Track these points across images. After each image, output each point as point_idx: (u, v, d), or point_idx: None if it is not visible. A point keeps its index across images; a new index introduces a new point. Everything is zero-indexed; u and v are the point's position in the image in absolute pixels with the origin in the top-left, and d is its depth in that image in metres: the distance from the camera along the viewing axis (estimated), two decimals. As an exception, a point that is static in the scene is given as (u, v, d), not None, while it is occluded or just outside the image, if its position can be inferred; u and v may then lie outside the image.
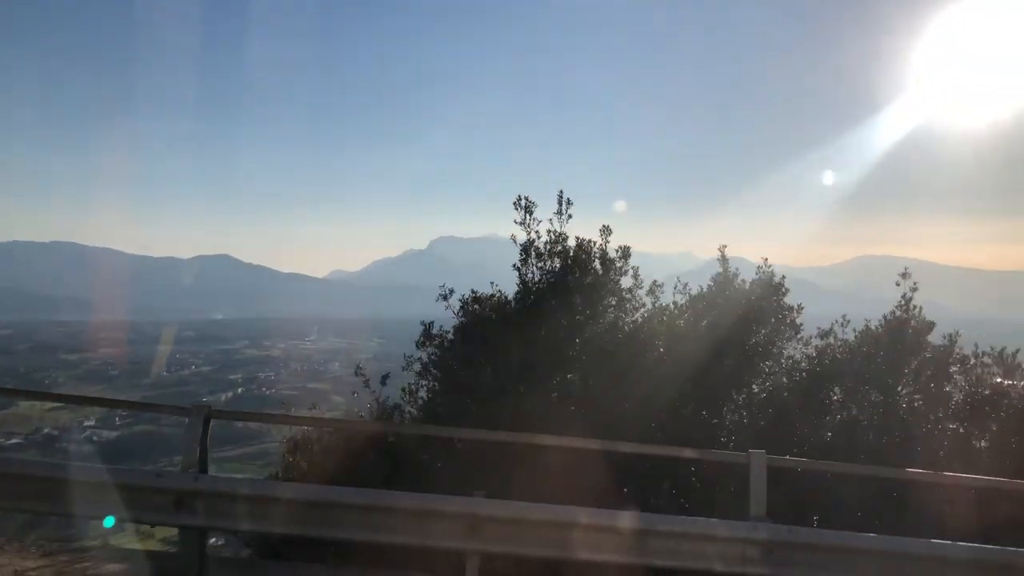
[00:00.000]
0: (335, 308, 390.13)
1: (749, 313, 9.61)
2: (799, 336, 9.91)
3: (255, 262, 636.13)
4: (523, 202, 9.68)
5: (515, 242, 9.90)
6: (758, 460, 5.91)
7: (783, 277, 10.65)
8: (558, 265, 9.74)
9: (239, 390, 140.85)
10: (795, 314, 10.12)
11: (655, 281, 10.12)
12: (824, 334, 9.85)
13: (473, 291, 9.81)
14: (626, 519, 5.47)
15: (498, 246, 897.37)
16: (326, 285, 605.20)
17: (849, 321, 10.01)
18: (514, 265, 9.83)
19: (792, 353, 9.76)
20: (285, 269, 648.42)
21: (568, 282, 9.50)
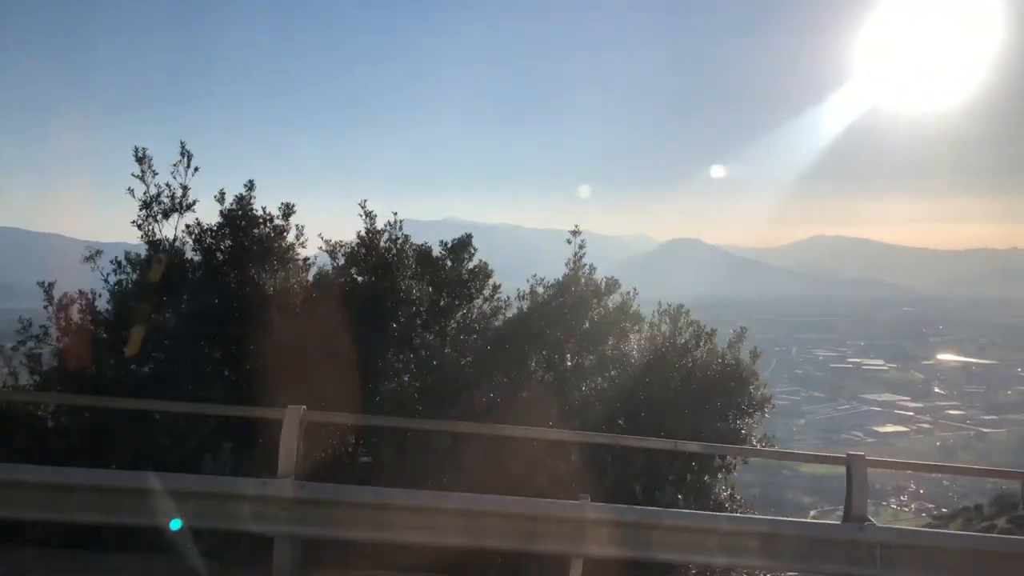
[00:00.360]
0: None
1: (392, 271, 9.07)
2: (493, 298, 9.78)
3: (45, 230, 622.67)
4: (140, 153, 8.36)
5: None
6: (292, 415, 5.87)
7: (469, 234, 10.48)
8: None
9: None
10: (485, 279, 9.86)
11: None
12: (523, 296, 9.88)
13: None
14: None
15: (457, 228, 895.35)
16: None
17: (543, 279, 10.16)
18: (133, 222, 8.52)
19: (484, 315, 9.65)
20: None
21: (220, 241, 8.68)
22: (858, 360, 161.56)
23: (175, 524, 5.52)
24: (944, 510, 48.36)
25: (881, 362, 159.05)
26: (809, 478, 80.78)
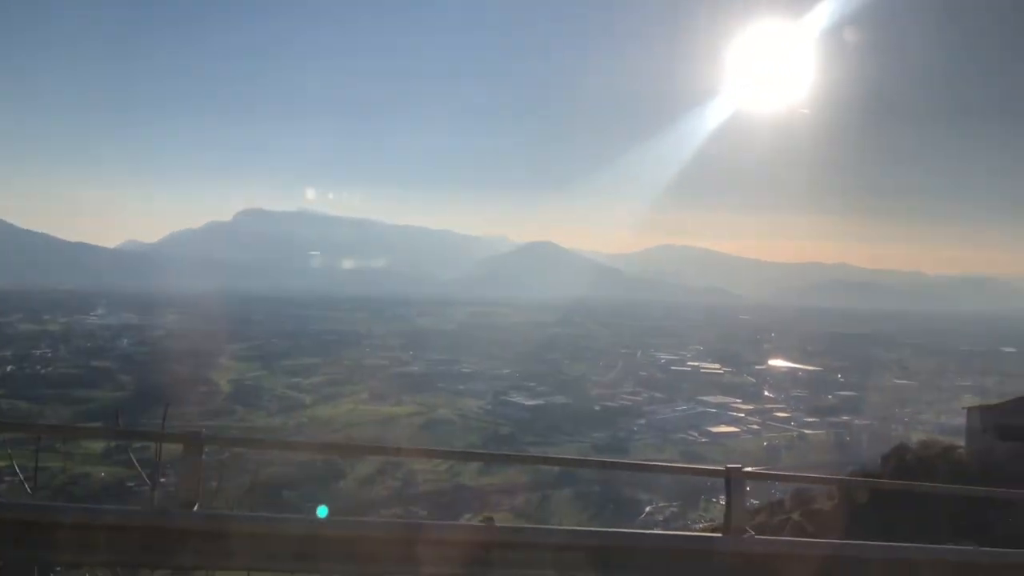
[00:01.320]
0: (129, 281, 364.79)
1: None
2: None
3: (34, 228, 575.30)
4: None
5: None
6: None
7: None
8: None
9: (8, 368, 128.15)
10: None
11: None
12: None
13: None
14: None
15: (310, 221, 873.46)
16: (118, 256, 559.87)
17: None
18: None
19: None
20: (70, 237, 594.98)
21: None
22: (697, 364, 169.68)
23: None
24: (755, 501, 52.61)
25: (718, 366, 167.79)
26: (644, 475, 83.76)
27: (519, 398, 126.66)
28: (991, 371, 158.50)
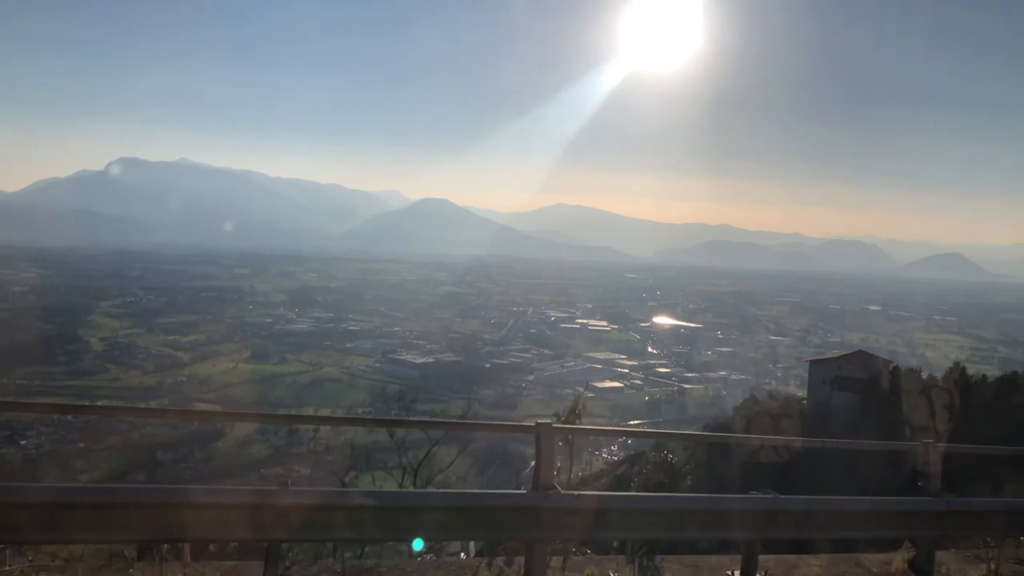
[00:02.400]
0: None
1: None
2: None
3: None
4: None
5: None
6: None
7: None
8: None
9: None
10: None
11: None
12: None
13: None
14: None
15: (190, 172, 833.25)
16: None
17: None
18: None
19: None
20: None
21: None
22: (585, 321, 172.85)
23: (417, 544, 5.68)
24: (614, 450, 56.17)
25: (605, 323, 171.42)
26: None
27: (408, 356, 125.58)
28: (858, 328, 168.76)
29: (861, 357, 47.69)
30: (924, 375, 41.70)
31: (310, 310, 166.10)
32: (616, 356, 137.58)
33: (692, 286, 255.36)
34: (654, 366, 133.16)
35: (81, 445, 70.49)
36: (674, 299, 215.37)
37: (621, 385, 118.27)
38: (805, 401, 46.82)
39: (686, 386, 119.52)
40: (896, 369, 41.49)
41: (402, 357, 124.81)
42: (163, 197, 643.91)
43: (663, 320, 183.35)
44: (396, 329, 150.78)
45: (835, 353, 57.00)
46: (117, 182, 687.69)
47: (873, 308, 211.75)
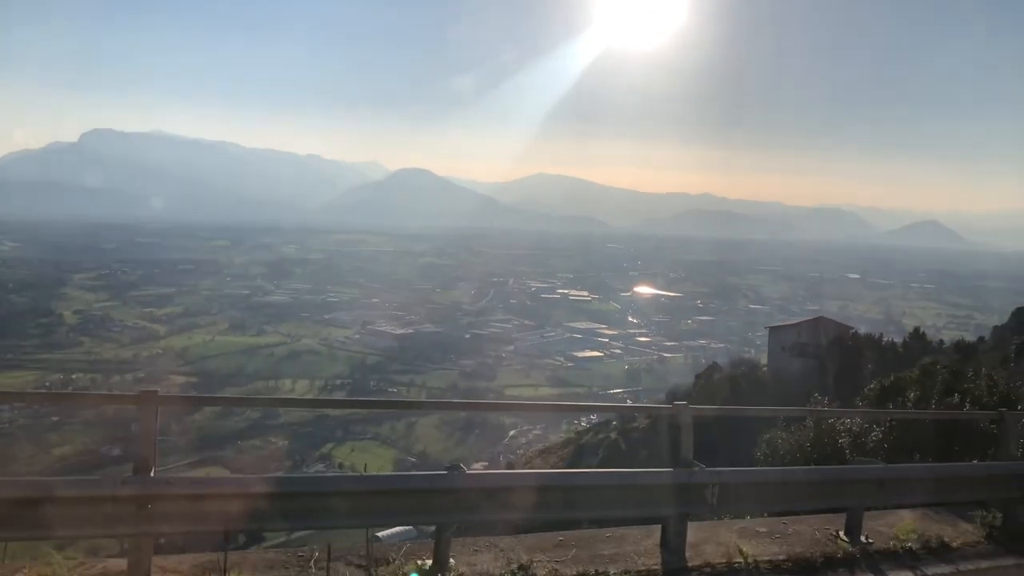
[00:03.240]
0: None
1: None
2: None
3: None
4: None
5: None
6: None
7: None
8: None
9: None
10: None
11: None
12: None
13: None
14: None
15: (165, 143, 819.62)
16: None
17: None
18: None
19: None
20: None
21: None
22: (566, 291, 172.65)
23: None
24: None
25: (586, 293, 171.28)
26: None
27: (387, 327, 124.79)
28: (837, 296, 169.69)
29: (820, 324, 47.48)
30: (884, 341, 41.43)
31: (288, 282, 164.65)
32: (596, 326, 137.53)
33: (673, 256, 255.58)
34: (634, 335, 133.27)
35: (55, 419, 69.42)
36: (655, 269, 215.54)
37: (601, 354, 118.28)
38: (766, 368, 46.60)
39: (666, 355, 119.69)
40: (855, 335, 41.23)
41: (381, 328, 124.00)
42: (138, 169, 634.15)
43: (644, 290, 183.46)
44: (375, 300, 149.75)
45: (795, 320, 56.88)
46: (92, 153, 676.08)
47: (852, 276, 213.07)
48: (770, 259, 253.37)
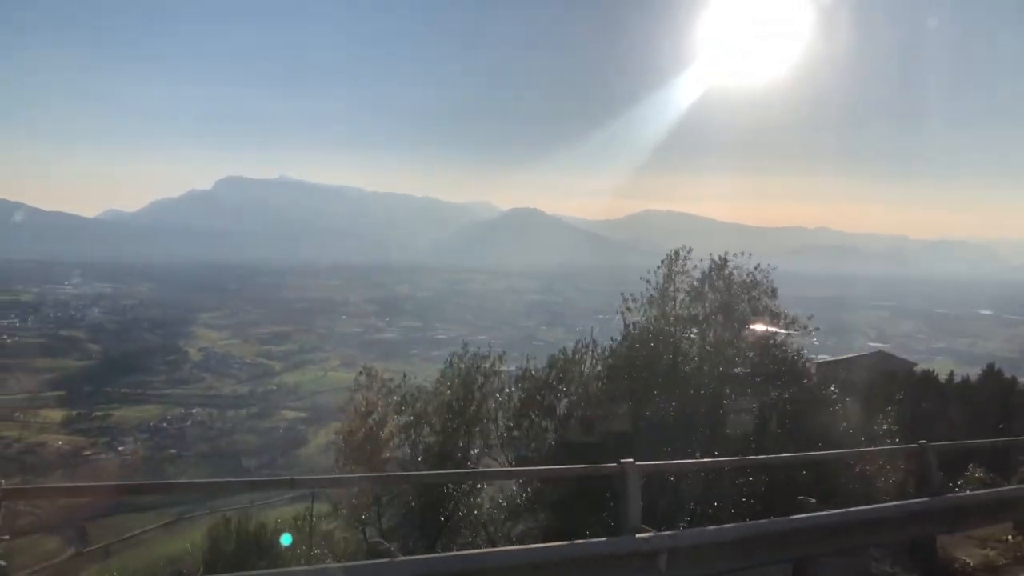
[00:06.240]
0: (108, 251, 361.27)
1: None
2: None
3: (10, 198, 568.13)
4: None
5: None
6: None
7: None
8: None
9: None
10: None
11: None
12: None
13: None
14: None
15: (290, 188, 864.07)
16: (98, 225, 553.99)
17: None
18: None
19: None
20: (48, 207, 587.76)
21: None
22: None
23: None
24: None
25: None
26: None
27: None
28: (966, 333, 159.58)
29: (875, 358, 44.73)
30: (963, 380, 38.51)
31: (399, 319, 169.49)
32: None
33: (788, 292, 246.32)
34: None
35: (172, 451, 74.05)
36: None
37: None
38: None
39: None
40: (911, 372, 38.70)
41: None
42: (265, 213, 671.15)
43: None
44: (481, 337, 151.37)
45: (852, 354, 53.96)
46: (224, 200, 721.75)
47: (984, 312, 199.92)
48: (891, 295, 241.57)
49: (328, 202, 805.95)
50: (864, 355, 47.35)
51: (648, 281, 14.21)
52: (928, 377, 27.26)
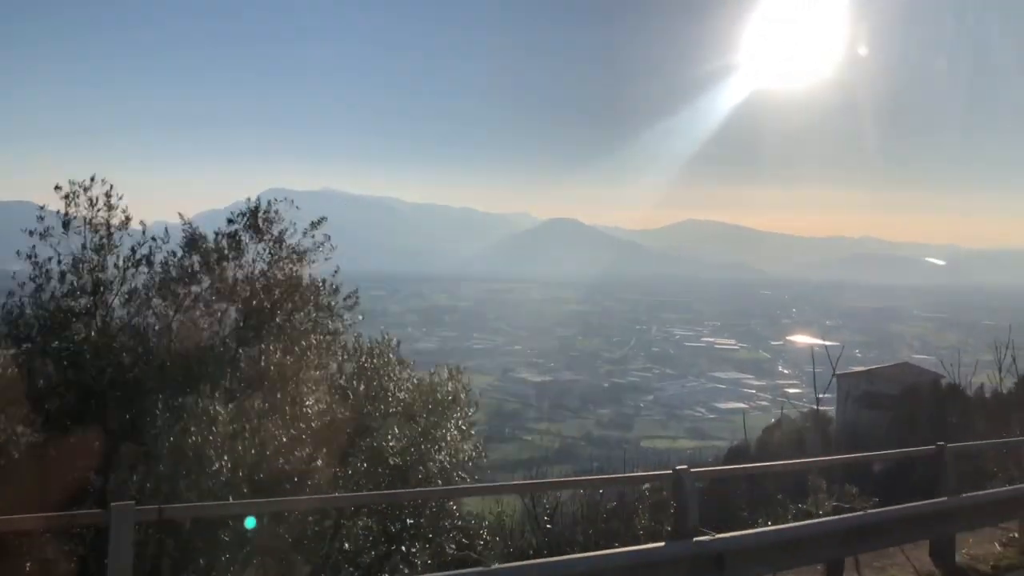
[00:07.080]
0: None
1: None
2: None
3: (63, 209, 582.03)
4: None
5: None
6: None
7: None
8: None
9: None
10: None
11: None
12: None
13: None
14: None
15: (333, 199, 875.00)
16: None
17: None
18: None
19: None
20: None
21: None
22: (712, 339, 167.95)
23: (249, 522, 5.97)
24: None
25: (733, 342, 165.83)
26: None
27: (527, 374, 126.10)
28: (1017, 345, 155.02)
29: (899, 369, 43.07)
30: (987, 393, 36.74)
31: (437, 329, 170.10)
32: (742, 376, 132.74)
33: (831, 302, 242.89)
34: (783, 386, 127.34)
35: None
36: (809, 317, 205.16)
37: (745, 406, 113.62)
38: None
39: (822, 408, 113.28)
40: (937, 383, 36.74)
41: (520, 375, 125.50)
42: (307, 225, 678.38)
43: (798, 338, 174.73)
44: (518, 347, 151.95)
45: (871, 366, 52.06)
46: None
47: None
48: (938, 305, 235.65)
49: (369, 213, 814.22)
50: (886, 367, 45.75)
51: None
52: (955, 389, 26.26)
